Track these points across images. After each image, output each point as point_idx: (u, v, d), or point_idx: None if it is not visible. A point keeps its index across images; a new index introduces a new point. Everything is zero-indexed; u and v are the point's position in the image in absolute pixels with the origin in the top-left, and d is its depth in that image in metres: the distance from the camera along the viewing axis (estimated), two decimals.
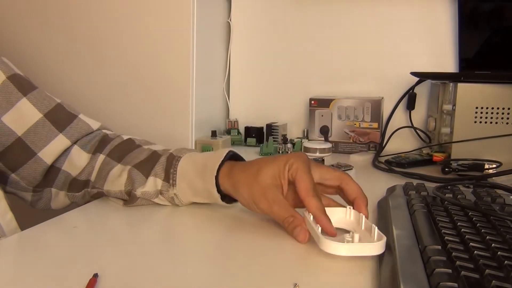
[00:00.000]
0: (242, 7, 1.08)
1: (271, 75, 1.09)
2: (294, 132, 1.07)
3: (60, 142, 0.59)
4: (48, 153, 0.59)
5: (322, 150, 0.91)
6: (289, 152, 0.91)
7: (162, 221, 0.53)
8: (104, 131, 0.65)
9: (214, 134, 0.93)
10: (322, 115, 0.97)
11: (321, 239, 0.39)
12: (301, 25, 1.06)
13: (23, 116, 0.57)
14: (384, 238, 0.39)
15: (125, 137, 0.63)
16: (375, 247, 0.39)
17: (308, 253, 0.42)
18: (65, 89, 0.97)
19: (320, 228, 0.42)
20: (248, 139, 1.02)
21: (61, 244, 0.46)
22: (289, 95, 1.08)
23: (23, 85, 0.58)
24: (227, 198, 0.53)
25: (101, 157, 0.60)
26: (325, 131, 0.98)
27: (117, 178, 0.56)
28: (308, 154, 0.91)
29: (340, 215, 0.50)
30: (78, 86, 0.97)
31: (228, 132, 1.04)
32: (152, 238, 0.48)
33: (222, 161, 0.52)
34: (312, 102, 0.98)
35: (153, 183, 0.55)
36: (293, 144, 0.93)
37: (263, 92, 1.10)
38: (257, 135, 1.01)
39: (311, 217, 0.45)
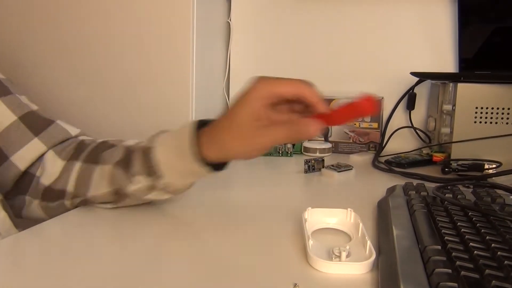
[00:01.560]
0: (242, 7, 1.08)
1: (271, 75, 1.08)
2: None
3: (35, 147, 0.57)
4: (21, 158, 0.56)
5: (322, 150, 0.92)
6: (289, 152, 0.91)
7: (163, 221, 0.53)
8: (81, 138, 0.62)
9: None
10: None
11: (311, 257, 0.40)
12: (301, 25, 1.06)
13: None
14: (373, 257, 0.39)
15: (100, 140, 0.60)
16: (362, 267, 0.38)
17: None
18: (65, 89, 0.97)
19: (311, 244, 0.42)
20: None
21: (62, 244, 0.45)
22: None
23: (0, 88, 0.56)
24: (218, 165, 0.50)
25: (78, 165, 0.57)
26: (325, 131, 0.98)
27: (100, 181, 0.54)
28: (308, 154, 0.92)
29: (340, 217, 0.50)
30: (78, 86, 0.97)
31: None
32: (154, 236, 0.48)
33: (195, 135, 0.49)
34: None
35: (140, 181, 0.52)
36: (293, 144, 0.93)
37: None
38: None
39: (306, 225, 0.45)
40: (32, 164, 0.57)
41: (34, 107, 0.61)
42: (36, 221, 0.52)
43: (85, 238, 0.47)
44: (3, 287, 0.36)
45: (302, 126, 0.45)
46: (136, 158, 0.53)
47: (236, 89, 1.10)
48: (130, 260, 0.41)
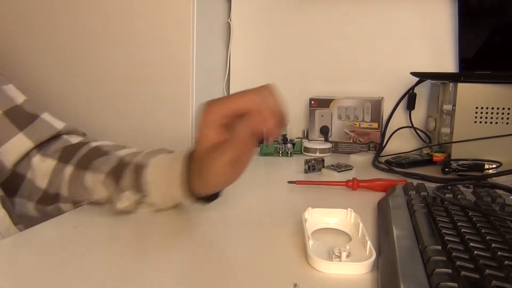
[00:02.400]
0: (242, 7, 1.08)
1: (271, 75, 1.09)
2: (294, 132, 1.07)
3: (20, 141, 0.56)
4: (6, 153, 0.55)
5: (322, 150, 0.92)
6: (289, 152, 0.91)
7: (161, 221, 0.53)
8: (65, 136, 0.61)
9: None
10: (322, 115, 0.97)
11: (311, 257, 0.40)
12: (301, 25, 1.06)
13: None
14: (373, 257, 0.39)
15: (94, 144, 0.59)
16: (362, 267, 0.38)
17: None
18: (64, 89, 0.97)
19: (311, 244, 0.42)
20: None
21: (62, 243, 0.45)
22: (289, 95, 1.07)
23: None
24: (206, 197, 0.51)
25: (69, 169, 0.56)
26: (325, 131, 0.98)
27: (95, 186, 0.54)
28: (308, 154, 0.91)
29: (340, 217, 0.50)
30: (78, 86, 0.97)
31: None
32: (154, 237, 0.48)
33: (187, 165, 0.49)
34: (312, 102, 0.98)
35: (129, 198, 0.52)
36: (293, 144, 0.93)
37: None
38: None
39: (306, 225, 0.45)
40: (19, 163, 0.57)
41: (20, 99, 0.59)
42: (34, 220, 0.52)
43: (83, 239, 0.47)
44: (6, 285, 0.36)
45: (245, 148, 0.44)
46: (127, 173, 0.53)
47: (236, 89, 1.10)
48: (131, 259, 0.41)
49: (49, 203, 0.57)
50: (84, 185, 0.55)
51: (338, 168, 0.75)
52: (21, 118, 0.57)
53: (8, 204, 0.53)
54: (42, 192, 0.57)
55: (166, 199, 0.53)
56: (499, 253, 0.34)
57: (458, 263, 0.33)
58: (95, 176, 0.54)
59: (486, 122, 0.75)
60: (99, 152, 0.57)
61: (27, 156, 0.58)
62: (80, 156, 0.57)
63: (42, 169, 0.57)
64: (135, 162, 0.54)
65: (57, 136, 0.61)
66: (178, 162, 0.50)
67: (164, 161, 0.53)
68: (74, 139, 0.61)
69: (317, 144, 0.93)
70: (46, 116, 0.61)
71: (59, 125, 0.61)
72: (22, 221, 0.53)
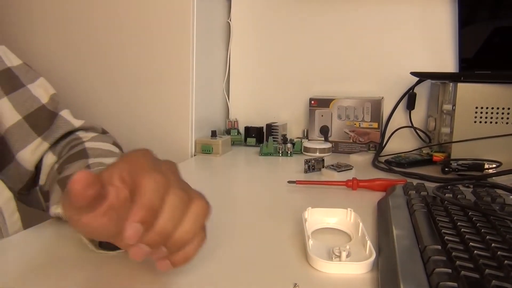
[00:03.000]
0: (242, 7, 1.08)
1: (271, 75, 1.09)
2: (294, 132, 1.07)
3: (38, 146, 0.57)
4: (25, 158, 0.56)
5: (322, 150, 0.92)
6: (289, 152, 0.91)
7: None
8: (78, 133, 0.61)
9: (214, 134, 0.93)
10: (322, 115, 0.98)
11: (311, 257, 0.40)
12: (301, 25, 1.06)
13: (1, 116, 0.55)
14: (373, 257, 0.39)
15: (86, 146, 0.58)
16: (362, 267, 0.38)
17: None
18: (64, 89, 0.97)
19: (311, 244, 0.42)
20: (248, 139, 1.02)
21: (62, 243, 0.45)
22: (289, 95, 1.08)
23: (10, 82, 0.57)
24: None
25: (55, 168, 0.57)
26: (325, 131, 0.98)
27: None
28: (308, 154, 0.92)
29: (340, 216, 0.50)
30: (78, 86, 0.97)
31: (228, 132, 1.04)
32: None
33: None
34: (312, 102, 0.98)
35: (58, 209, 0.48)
36: (293, 144, 0.93)
37: (263, 92, 1.10)
38: (257, 135, 1.01)
39: (306, 225, 0.45)
40: (38, 164, 0.58)
41: (45, 98, 0.60)
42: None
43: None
44: (7, 285, 0.36)
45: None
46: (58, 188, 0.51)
47: (236, 89, 1.10)
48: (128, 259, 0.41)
49: (47, 199, 0.57)
50: (53, 190, 0.53)
51: (338, 168, 0.75)
52: (41, 121, 0.58)
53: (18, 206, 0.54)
54: (42, 188, 0.58)
55: None
56: (499, 252, 0.34)
57: (458, 262, 0.33)
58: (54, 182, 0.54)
59: (486, 122, 0.75)
60: (80, 156, 0.56)
61: (44, 154, 0.59)
62: (66, 157, 0.57)
63: (46, 166, 0.58)
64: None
65: (70, 132, 0.61)
66: None
67: None
68: (86, 137, 0.61)
69: (317, 144, 0.93)
70: (65, 113, 0.61)
71: (76, 123, 0.62)
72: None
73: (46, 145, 0.58)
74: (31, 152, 0.57)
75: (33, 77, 0.60)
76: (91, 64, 0.95)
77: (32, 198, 0.60)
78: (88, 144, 0.59)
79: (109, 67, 0.94)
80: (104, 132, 0.66)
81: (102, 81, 0.95)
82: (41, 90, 0.61)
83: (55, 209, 0.48)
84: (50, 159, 0.59)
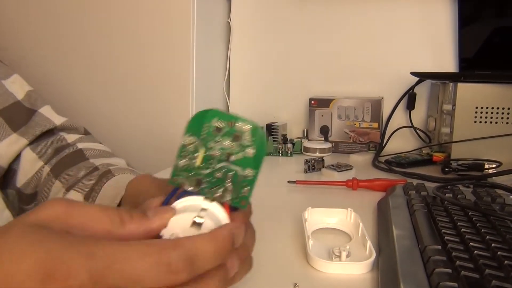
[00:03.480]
0: (242, 7, 1.08)
1: (271, 75, 1.09)
2: (294, 132, 1.07)
3: (13, 142, 0.55)
4: (0, 154, 0.54)
5: (322, 150, 0.92)
6: (289, 152, 0.91)
7: None
8: (62, 134, 0.60)
9: None
10: (322, 115, 0.97)
11: (311, 257, 0.40)
12: (301, 25, 1.06)
13: None
14: (373, 257, 0.39)
15: (79, 147, 0.57)
16: (362, 267, 0.38)
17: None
18: (63, 89, 0.97)
19: (311, 244, 0.42)
20: None
21: None
22: (289, 95, 1.08)
23: None
24: None
25: (46, 170, 0.55)
26: (325, 131, 0.98)
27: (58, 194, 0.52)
28: (308, 153, 0.92)
29: (340, 216, 0.50)
30: (78, 86, 0.97)
31: None
32: None
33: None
34: (312, 102, 0.98)
35: (74, 197, 0.48)
36: (293, 144, 0.93)
37: (263, 92, 1.10)
38: None
39: (306, 225, 0.45)
40: (13, 161, 0.56)
41: (21, 94, 0.58)
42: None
43: None
44: None
45: None
46: (93, 176, 0.50)
47: (236, 89, 1.10)
48: None
49: (29, 202, 0.55)
50: (49, 193, 0.53)
51: (338, 168, 0.75)
52: (17, 116, 0.56)
53: (10, 203, 0.53)
54: (20, 191, 0.56)
55: None
56: (499, 253, 0.34)
57: (458, 262, 0.33)
58: (59, 188, 0.52)
59: (486, 122, 0.75)
60: (79, 158, 0.55)
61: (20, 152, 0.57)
62: (59, 158, 0.56)
63: (28, 167, 0.56)
64: (108, 168, 0.51)
65: (51, 131, 0.59)
66: (116, 198, 0.47)
67: (107, 190, 0.49)
68: (70, 138, 0.60)
69: (317, 144, 0.93)
70: (45, 109, 0.59)
71: (57, 120, 0.59)
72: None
73: (24, 141, 0.56)
74: (6, 146, 0.54)
75: (7, 74, 0.58)
76: (90, 65, 0.95)
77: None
78: (80, 145, 0.57)
79: (108, 67, 0.94)
80: (86, 132, 0.64)
81: (102, 81, 0.95)
82: (16, 86, 0.58)
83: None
84: (29, 155, 0.56)
